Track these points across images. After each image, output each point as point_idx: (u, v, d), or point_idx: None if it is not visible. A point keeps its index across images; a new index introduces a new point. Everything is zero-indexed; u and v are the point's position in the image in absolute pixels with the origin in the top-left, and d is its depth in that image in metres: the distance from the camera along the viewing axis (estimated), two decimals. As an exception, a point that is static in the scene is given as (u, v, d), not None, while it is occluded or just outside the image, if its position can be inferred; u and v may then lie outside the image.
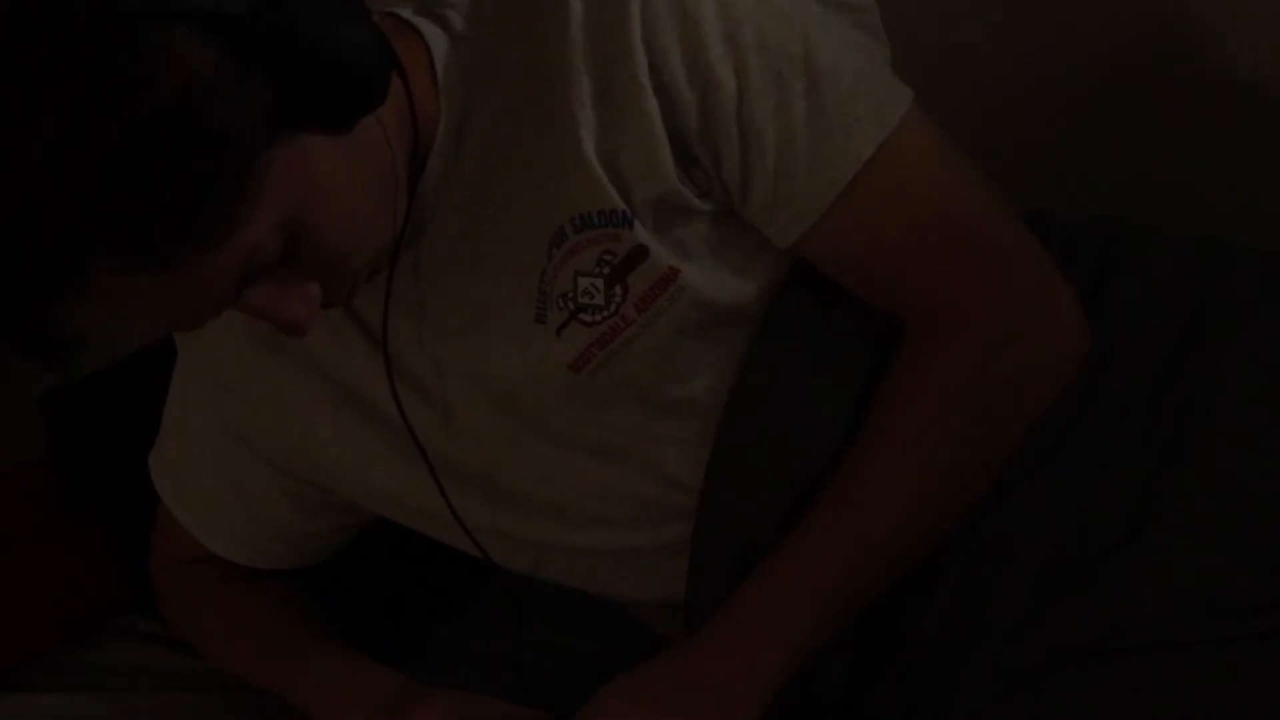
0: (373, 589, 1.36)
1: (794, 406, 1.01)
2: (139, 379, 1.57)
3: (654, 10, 0.91)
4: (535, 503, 1.08)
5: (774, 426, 1.01)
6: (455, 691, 1.04)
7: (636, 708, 0.96)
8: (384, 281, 1.00)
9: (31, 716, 1.28)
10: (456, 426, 1.05)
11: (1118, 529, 0.98)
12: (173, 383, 1.21)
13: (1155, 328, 1.03)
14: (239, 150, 0.78)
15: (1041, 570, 0.98)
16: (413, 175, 0.97)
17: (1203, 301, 1.04)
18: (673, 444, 1.03)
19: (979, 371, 0.97)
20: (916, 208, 0.96)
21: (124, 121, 0.74)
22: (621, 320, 0.97)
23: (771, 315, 1.01)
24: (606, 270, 0.96)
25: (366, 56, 0.84)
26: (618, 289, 0.97)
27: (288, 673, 1.15)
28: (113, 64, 0.73)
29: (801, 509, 1.00)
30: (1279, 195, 1.42)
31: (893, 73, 1.00)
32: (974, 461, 0.98)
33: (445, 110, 0.97)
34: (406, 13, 1.00)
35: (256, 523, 1.18)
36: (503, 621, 1.18)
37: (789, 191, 0.94)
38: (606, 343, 0.98)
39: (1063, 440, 1.01)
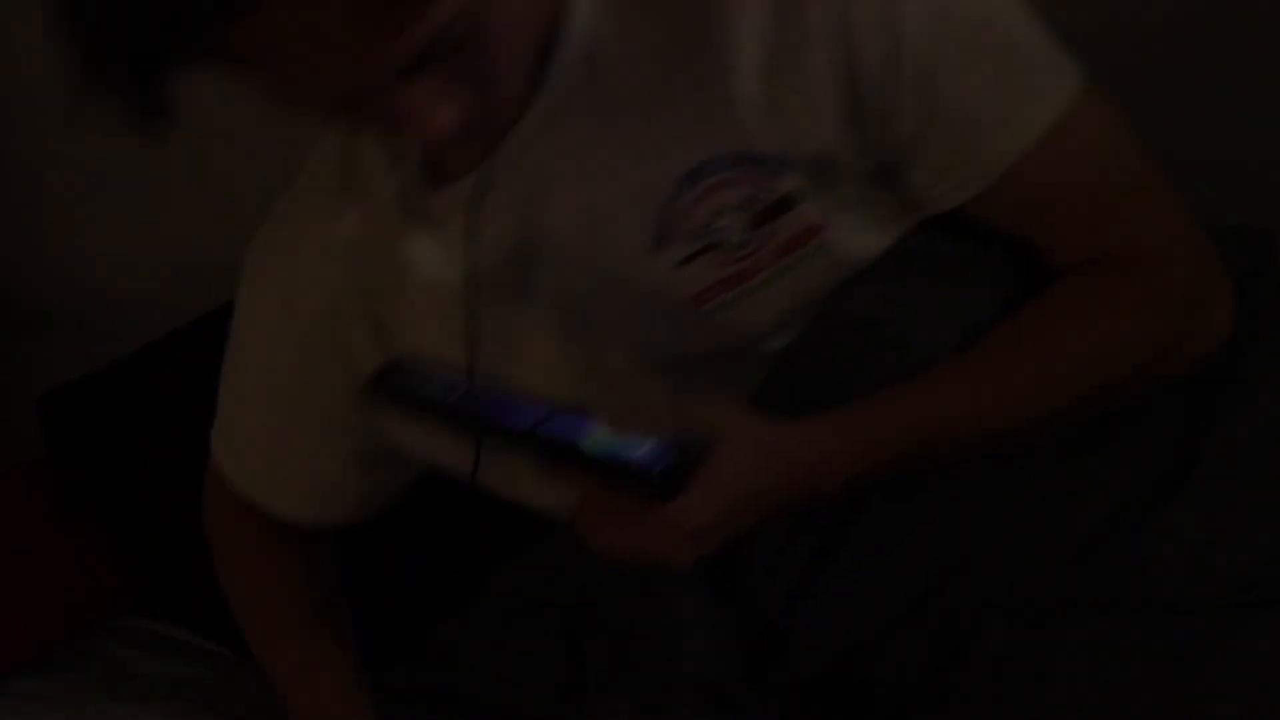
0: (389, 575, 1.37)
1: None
2: (138, 379, 1.58)
3: None
4: None
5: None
6: None
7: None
8: (468, 209, 0.98)
9: (31, 716, 1.28)
10: (531, 359, 1.03)
11: (1144, 496, 0.98)
12: (229, 350, 1.18)
13: None
14: None
15: (1069, 532, 0.98)
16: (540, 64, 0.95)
17: (1243, 287, 1.03)
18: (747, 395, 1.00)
19: (1145, 313, 0.95)
20: (1091, 173, 0.96)
21: None
22: (755, 264, 0.96)
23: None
24: (752, 212, 0.95)
25: None
26: (759, 232, 0.96)
27: (281, 673, 1.17)
28: None
29: None
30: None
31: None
32: (1096, 388, 0.96)
33: (582, 18, 0.95)
34: None
35: (313, 479, 1.16)
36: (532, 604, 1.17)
37: (966, 153, 0.95)
38: (735, 284, 0.97)
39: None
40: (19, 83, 1.92)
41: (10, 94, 1.98)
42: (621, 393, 0.97)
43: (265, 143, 1.94)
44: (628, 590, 1.06)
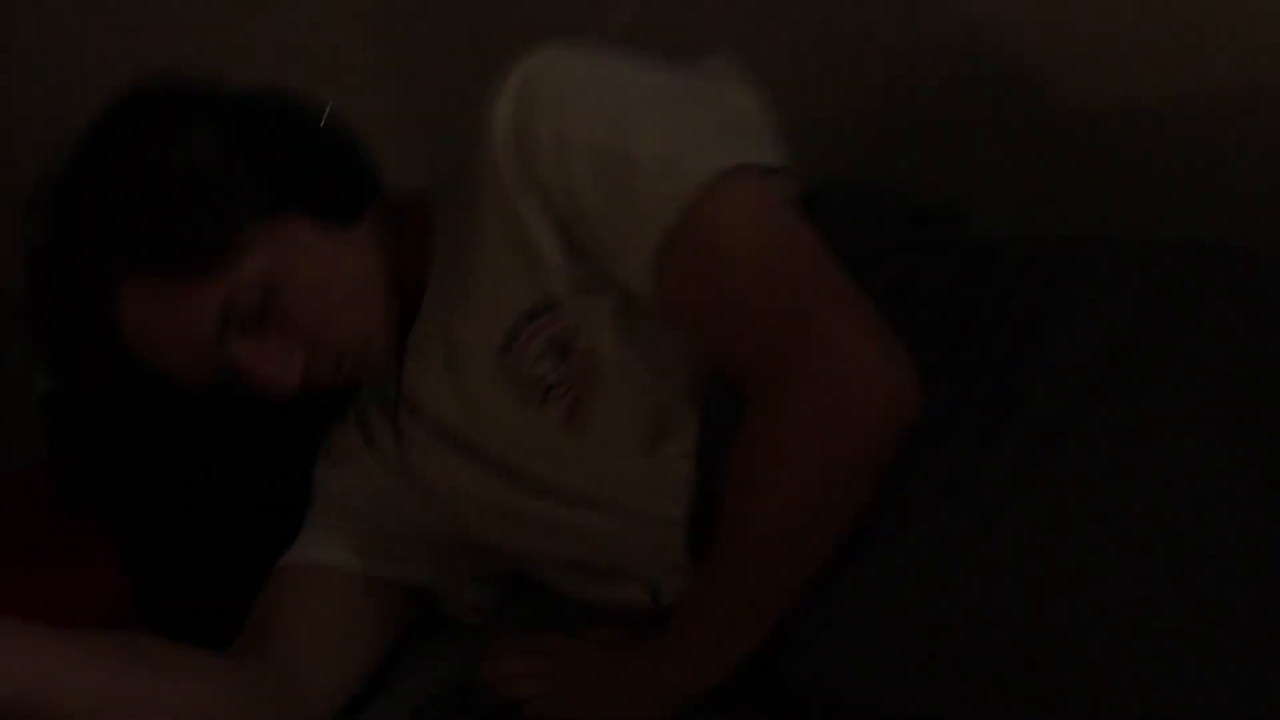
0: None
1: None
2: (141, 379, 1.58)
3: (506, 136, 1.06)
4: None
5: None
6: None
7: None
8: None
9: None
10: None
11: None
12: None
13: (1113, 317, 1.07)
14: (227, 210, 1.07)
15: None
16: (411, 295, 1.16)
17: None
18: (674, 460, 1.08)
19: (797, 438, 0.99)
20: (724, 277, 1.02)
21: (151, 171, 1.08)
22: (583, 380, 1.07)
23: None
24: (556, 348, 1.08)
25: (347, 169, 1.13)
26: (570, 359, 1.07)
27: None
28: (144, 133, 1.09)
29: None
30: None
31: (738, 136, 1.08)
32: (806, 527, 1.01)
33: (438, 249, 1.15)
34: None
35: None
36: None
37: (618, 268, 1.04)
38: (579, 406, 1.08)
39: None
40: (18, 84, 1.92)
41: (10, 95, 1.98)
42: None
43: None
44: None
